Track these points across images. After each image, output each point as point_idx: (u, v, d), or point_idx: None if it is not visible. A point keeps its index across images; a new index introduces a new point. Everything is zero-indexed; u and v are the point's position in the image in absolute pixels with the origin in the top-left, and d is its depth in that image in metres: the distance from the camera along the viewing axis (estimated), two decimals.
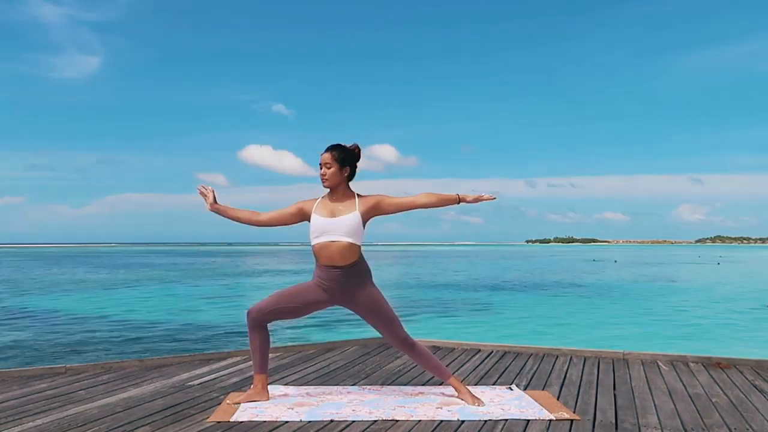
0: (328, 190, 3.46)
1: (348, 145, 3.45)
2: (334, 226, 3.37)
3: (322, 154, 3.42)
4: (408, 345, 3.55)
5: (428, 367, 3.63)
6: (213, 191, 3.60)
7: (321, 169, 3.41)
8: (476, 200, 3.44)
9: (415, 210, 3.51)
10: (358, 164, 3.47)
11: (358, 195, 3.46)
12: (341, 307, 3.56)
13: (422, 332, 11.14)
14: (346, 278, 3.40)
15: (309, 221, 3.45)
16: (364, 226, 3.42)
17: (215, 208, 3.56)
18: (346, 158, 3.41)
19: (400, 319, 3.58)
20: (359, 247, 3.44)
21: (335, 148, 3.42)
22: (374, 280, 3.54)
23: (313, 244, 3.42)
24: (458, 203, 3.44)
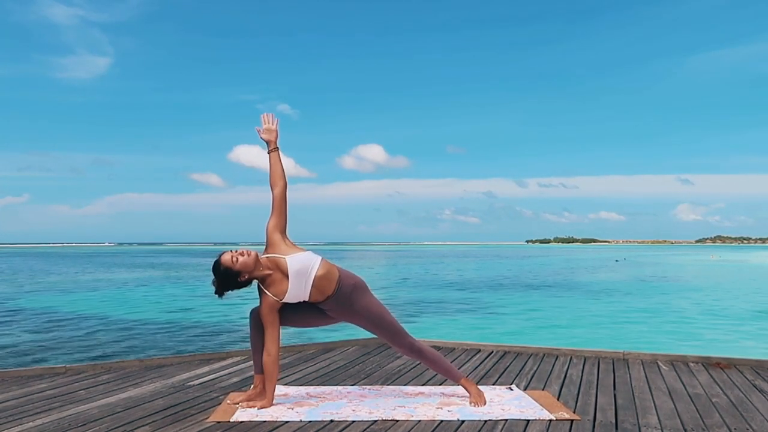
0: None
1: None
2: (302, 265, 3.28)
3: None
4: (415, 351, 3.55)
5: (439, 370, 3.63)
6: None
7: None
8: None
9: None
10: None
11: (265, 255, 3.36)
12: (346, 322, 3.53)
13: (422, 332, 11.14)
14: (342, 298, 3.37)
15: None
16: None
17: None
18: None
19: (402, 325, 3.56)
20: (331, 264, 3.37)
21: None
22: (370, 288, 3.50)
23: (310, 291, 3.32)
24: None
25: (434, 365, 3.62)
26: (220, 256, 3.34)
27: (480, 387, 3.71)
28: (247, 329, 3.61)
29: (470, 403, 3.40)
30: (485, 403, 3.40)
